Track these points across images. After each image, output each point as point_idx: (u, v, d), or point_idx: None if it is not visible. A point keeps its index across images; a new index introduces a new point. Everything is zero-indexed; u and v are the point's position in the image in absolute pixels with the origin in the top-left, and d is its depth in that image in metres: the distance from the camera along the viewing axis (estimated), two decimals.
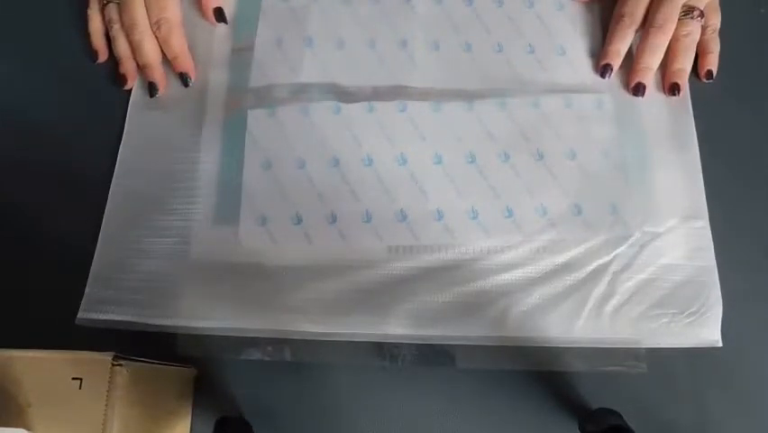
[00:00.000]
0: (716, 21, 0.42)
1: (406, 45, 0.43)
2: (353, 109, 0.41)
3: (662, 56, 0.41)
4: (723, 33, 0.43)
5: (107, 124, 0.43)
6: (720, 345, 0.37)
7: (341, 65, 0.43)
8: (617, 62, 0.42)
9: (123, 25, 0.42)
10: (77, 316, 0.38)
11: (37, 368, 0.27)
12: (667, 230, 0.38)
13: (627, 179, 0.39)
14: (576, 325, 0.37)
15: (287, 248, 0.39)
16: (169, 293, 0.38)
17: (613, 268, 0.37)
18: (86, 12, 0.44)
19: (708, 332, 0.37)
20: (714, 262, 0.38)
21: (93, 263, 0.39)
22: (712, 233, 0.39)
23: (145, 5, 0.42)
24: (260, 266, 0.38)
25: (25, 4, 0.47)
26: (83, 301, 0.38)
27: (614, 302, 0.37)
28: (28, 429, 0.26)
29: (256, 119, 0.41)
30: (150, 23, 0.42)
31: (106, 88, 0.44)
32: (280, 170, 0.40)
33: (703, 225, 0.39)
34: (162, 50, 0.43)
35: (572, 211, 0.39)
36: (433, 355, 0.38)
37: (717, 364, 0.37)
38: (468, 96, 0.42)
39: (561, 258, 0.38)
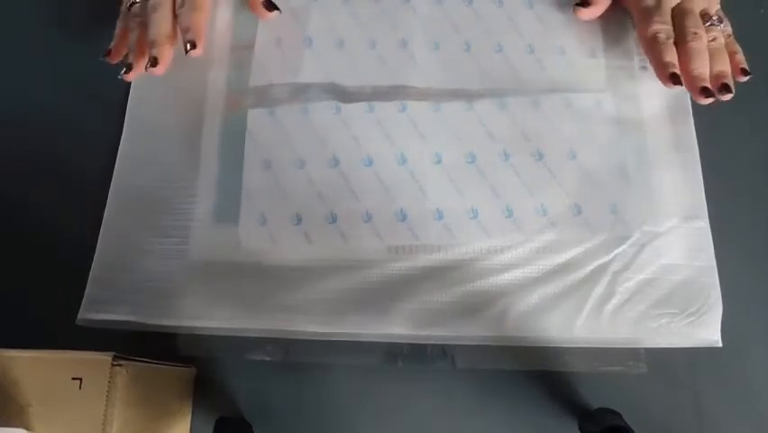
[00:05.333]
0: (728, 26, 0.41)
1: (406, 45, 0.43)
2: (353, 109, 0.41)
3: (708, 60, 0.39)
4: None
5: (107, 124, 0.43)
6: (720, 345, 0.37)
7: (341, 65, 0.43)
8: (677, 69, 0.39)
9: (145, 15, 0.40)
10: (78, 316, 0.38)
11: (37, 368, 0.27)
12: (667, 230, 0.38)
13: (627, 179, 0.39)
14: (576, 325, 0.37)
15: (287, 248, 0.39)
16: (169, 293, 0.38)
17: (613, 268, 0.37)
18: (120, 17, 0.42)
19: (707, 332, 0.37)
20: (714, 263, 0.38)
21: (93, 264, 0.39)
22: (712, 233, 0.39)
23: None
24: (260, 266, 0.38)
25: (25, 3, 0.47)
26: (83, 302, 0.38)
27: (614, 302, 0.37)
28: (28, 429, 0.26)
29: (256, 119, 0.41)
30: (176, 2, 0.40)
31: (106, 88, 0.44)
32: (280, 169, 0.40)
33: (703, 225, 0.39)
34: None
35: (572, 211, 0.39)
36: (433, 355, 0.38)
37: (717, 364, 0.37)
38: (468, 96, 0.42)
39: (561, 258, 0.38)
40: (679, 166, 0.40)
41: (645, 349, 0.37)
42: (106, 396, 0.27)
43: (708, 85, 0.39)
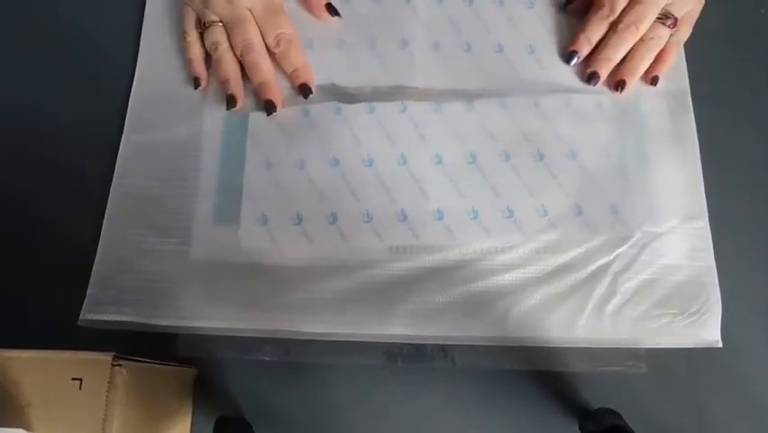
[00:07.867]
0: (684, 33, 0.42)
1: (407, 45, 0.43)
2: (354, 110, 0.41)
3: (625, 53, 0.41)
4: (723, 33, 0.43)
5: (107, 124, 0.43)
6: (720, 345, 0.37)
7: (341, 65, 0.43)
8: (585, 50, 0.42)
9: (233, 47, 0.41)
10: (80, 317, 0.38)
11: (37, 368, 0.27)
12: (667, 230, 0.39)
13: (628, 180, 0.39)
14: (577, 325, 0.37)
15: (287, 248, 0.39)
16: (170, 293, 0.38)
17: (613, 268, 0.38)
18: (184, 38, 0.42)
19: (707, 332, 0.37)
20: (714, 263, 0.38)
21: (95, 265, 0.39)
22: (712, 233, 0.39)
23: (257, 25, 0.41)
24: (261, 266, 0.38)
25: (26, 4, 0.47)
26: (85, 303, 0.38)
27: (614, 302, 0.37)
28: (28, 429, 0.26)
29: (257, 120, 0.41)
30: (268, 41, 0.41)
31: (106, 88, 0.44)
32: (281, 170, 0.40)
33: (703, 225, 0.39)
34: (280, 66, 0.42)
35: (573, 211, 0.39)
36: (432, 355, 0.38)
37: (717, 364, 0.37)
38: (468, 96, 0.42)
39: (561, 258, 0.38)
40: (679, 166, 0.40)
41: (645, 349, 0.37)
42: (106, 396, 0.27)
43: (599, 72, 0.41)
